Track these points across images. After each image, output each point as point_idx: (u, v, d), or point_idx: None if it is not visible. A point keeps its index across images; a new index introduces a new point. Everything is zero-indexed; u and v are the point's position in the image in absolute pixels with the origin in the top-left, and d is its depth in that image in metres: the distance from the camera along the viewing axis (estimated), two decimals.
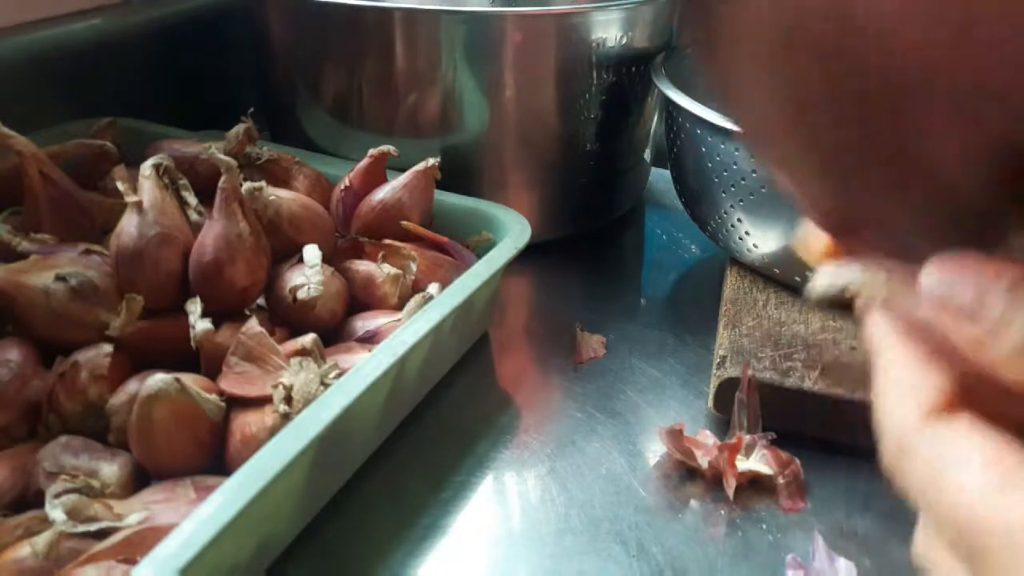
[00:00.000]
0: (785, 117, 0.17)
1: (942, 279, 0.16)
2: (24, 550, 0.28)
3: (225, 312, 0.39)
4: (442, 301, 0.38)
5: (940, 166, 0.16)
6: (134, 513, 0.29)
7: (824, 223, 0.20)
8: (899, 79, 0.15)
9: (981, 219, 0.17)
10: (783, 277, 0.46)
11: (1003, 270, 0.16)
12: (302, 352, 0.35)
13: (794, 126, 0.17)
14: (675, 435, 0.38)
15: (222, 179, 0.39)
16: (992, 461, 0.15)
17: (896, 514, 0.35)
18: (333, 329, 0.41)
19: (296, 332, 0.38)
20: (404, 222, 0.45)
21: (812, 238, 0.21)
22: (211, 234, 0.39)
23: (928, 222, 0.17)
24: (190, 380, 0.33)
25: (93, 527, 0.28)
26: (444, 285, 0.40)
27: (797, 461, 0.38)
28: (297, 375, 0.34)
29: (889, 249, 0.18)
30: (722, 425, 0.41)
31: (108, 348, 0.35)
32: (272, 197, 0.42)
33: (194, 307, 0.37)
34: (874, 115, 0.15)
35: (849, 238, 0.19)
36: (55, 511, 0.28)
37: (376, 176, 0.48)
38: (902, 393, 0.17)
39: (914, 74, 0.14)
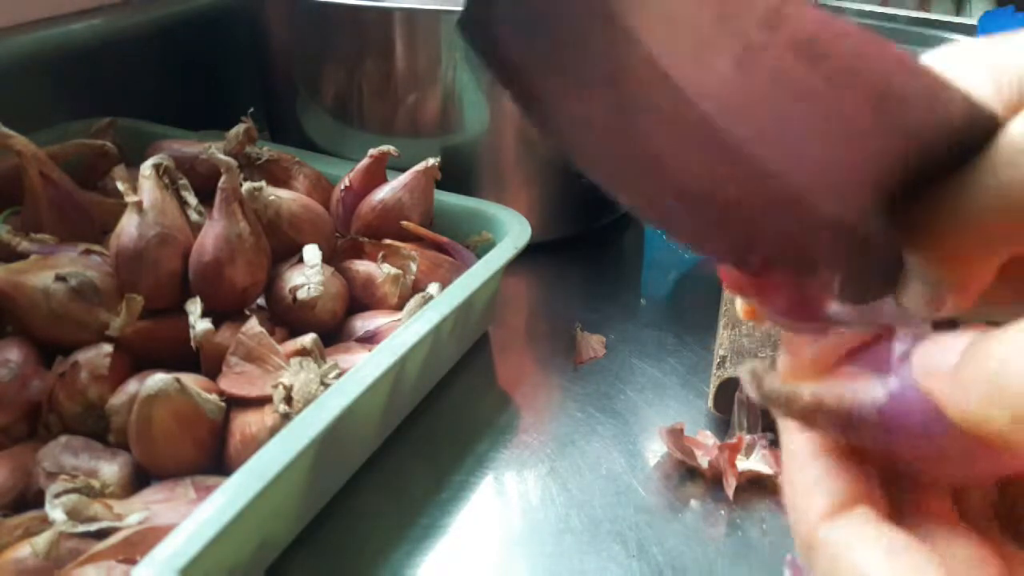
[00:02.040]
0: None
1: (934, 351, 0.16)
2: (24, 550, 0.28)
3: (225, 312, 0.39)
4: (442, 301, 0.38)
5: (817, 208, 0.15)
6: (134, 513, 0.29)
7: (731, 277, 0.19)
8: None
9: (880, 249, 0.16)
10: None
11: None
12: (302, 352, 0.35)
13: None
14: (675, 435, 0.38)
15: (222, 179, 0.39)
16: (891, 551, 0.16)
17: None
18: (333, 329, 0.41)
19: (296, 332, 0.38)
20: (404, 222, 0.45)
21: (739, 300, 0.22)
22: (211, 234, 0.39)
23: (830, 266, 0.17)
24: (190, 380, 0.33)
25: (93, 527, 0.28)
26: (444, 285, 0.40)
27: None
28: (297, 375, 0.34)
29: (799, 300, 0.18)
30: (722, 425, 0.41)
31: (108, 348, 0.35)
32: (272, 197, 0.42)
33: (194, 307, 0.37)
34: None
35: (758, 289, 0.19)
36: (55, 511, 0.28)
37: (376, 176, 0.48)
38: (805, 493, 0.18)
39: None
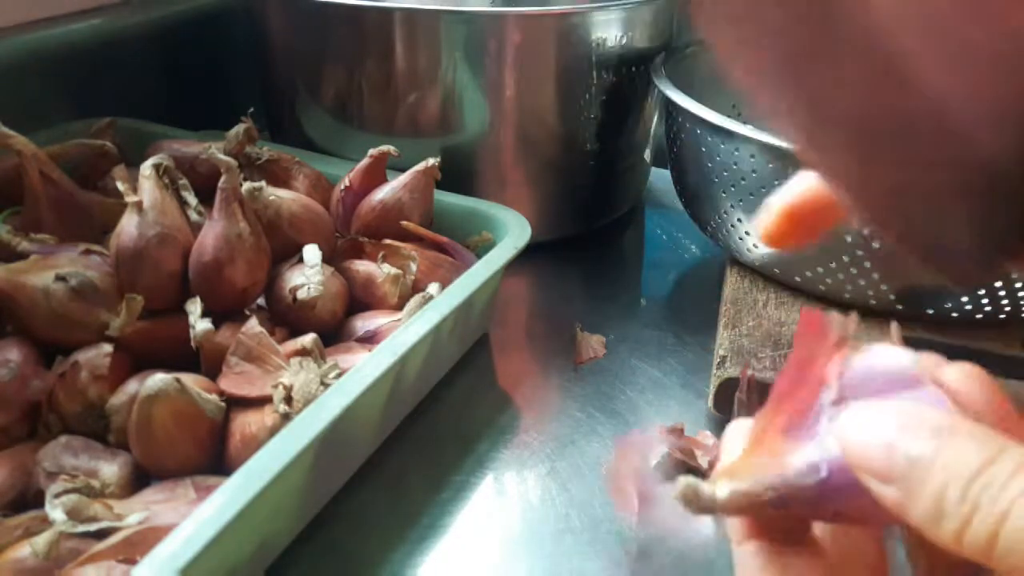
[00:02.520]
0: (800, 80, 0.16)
1: (855, 430, 0.17)
2: (24, 550, 0.28)
3: (225, 312, 0.39)
4: (442, 301, 0.38)
5: (968, 135, 0.15)
6: (134, 513, 0.29)
7: (849, 197, 0.18)
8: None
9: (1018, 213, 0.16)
10: (783, 277, 0.46)
11: (921, 419, 0.16)
12: (302, 352, 0.35)
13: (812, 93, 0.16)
14: (676, 434, 0.38)
15: (222, 179, 0.39)
16: None
17: None
18: (333, 329, 0.41)
19: (296, 332, 0.38)
20: (404, 222, 0.45)
21: (771, 218, 0.21)
22: (211, 234, 0.39)
23: (960, 200, 0.16)
24: (190, 380, 0.33)
25: (93, 527, 0.28)
26: (444, 285, 0.40)
27: None
28: (297, 375, 0.34)
29: (914, 236, 0.18)
30: (722, 425, 0.41)
31: (108, 348, 0.35)
32: (272, 197, 0.42)
33: (194, 307, 0.37)
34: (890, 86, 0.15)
35: (873, 212, 0.18)
36: (55, 511, 0.28)
37: (376, 176, 0.48)
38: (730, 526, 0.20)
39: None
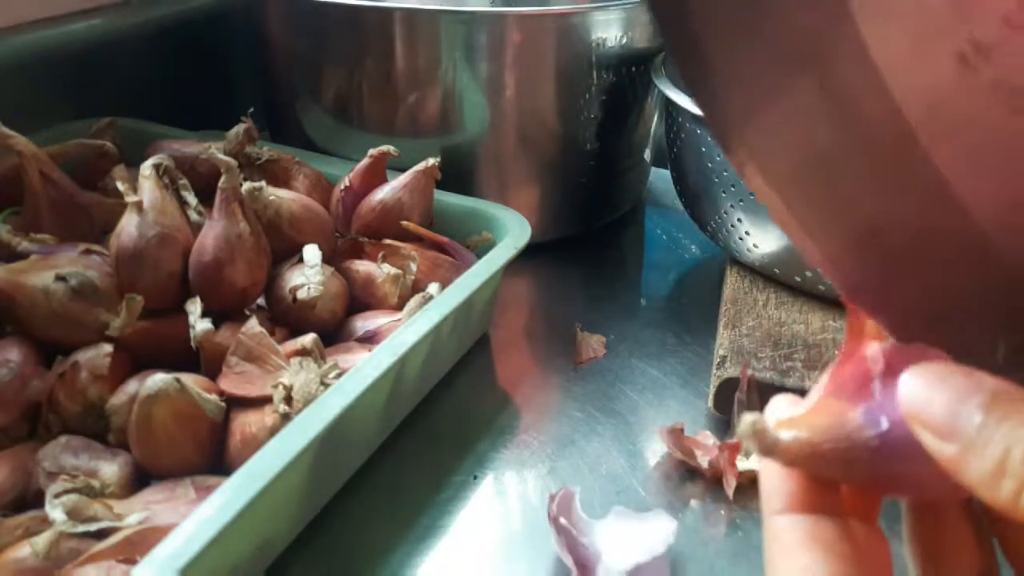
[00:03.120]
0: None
1: (918, 388, 0.16)
2: (24, 550, 0.28)
3: (225, 312, 0.39)
4: (442, 301, 0.38)
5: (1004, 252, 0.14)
6: (134, 513, 0.29)
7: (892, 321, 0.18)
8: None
9: None
10: (783, 277, 0.46)
11: (982, 382, 0.15)
12: (302, 352, 0.35)
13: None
14: (676, 434, 0.38)
15: (222, 179, 0.39)
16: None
17: (890, 511, 0.35)
18: (333, 329, 0.41)
19: (296, 332, 0.38)
20: (404, 222, 0.45)
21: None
22: (211, 234, 0.39)
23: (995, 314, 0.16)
24: (190, 380, 0.33)
25: (93, 527, 0.28)
26: (444, 285, 0.40)
27: None
28: (297, 375, 0.34)
29: (953, 343, 0.17)
30: (722, 425, 0.41)
31: (108, 348, 0.35)
32: (272, 197, 0.42)
33: (194, 307, 0.37)
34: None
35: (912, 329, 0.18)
36: (55, 511, 0.28)
37: (376, 176, 0.48)
38: (766, 490, 0.20)
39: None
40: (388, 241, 0.44)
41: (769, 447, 0.17)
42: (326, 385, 0.33)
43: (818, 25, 0.12)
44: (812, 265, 0.16)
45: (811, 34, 0.12)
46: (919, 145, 0.12)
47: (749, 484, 0.37)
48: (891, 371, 0.17)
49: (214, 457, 0.34)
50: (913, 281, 0.16)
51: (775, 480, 0.20)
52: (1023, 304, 0.15)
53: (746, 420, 0.17)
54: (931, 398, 0.16)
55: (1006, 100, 0.12)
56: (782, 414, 0.19)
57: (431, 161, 0.47)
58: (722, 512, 0.36)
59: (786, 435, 0.17)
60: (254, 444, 0.32)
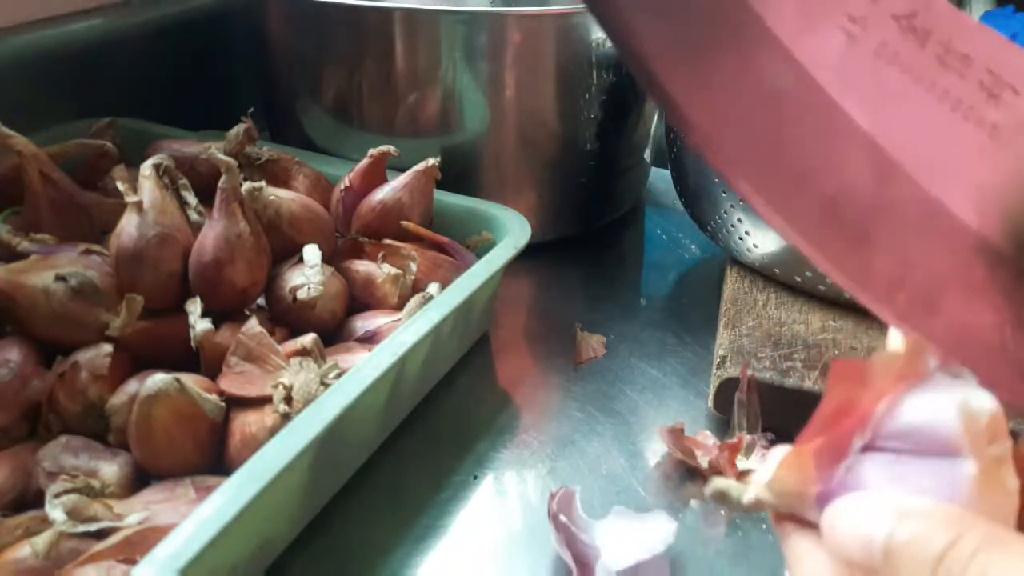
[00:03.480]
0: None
1: (838, 527, 0.18)
2: (24, 550, 0.28)
3: (225, 312, 0.39)
4: (442, 301, 0.38)
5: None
6: (134, 513, 0.29)
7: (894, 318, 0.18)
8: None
9: None
10: (783, 277, 0.46)
11: (889, 521, 0.16)
12: (302, 352, 0.35)
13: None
14: (676, 434, 0.38)
15: (222, 179, 0.39)
16: None
17: None
18: (333, 329, 0.41)
19: (296, 332, 0.38)
20: (404, 222, 0.45)
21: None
22: (211, 234, 0.39)
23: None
24: (190, 380, 0.33)
25: (93, 527, 0.28)
26: (444, 285, 0.40)
27: None
28: (297, 375, 0.34)
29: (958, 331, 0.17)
30: (722, 425, 0.41)
31: (108, 348, 0.35)
32: (272, 197, 0.42)
33: (194, 307, 0.37)
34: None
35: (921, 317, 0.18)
36: (55, 511, 0.28)
37: (376, 176, 0.48)
38: None
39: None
40: (388, 241, 0.44)
41: (734, 506, 0.20)
42: (326, 385, 0.33)
43: (727, 11, 0.14)
44: (790, 242, 0.16)
45: (723, 20, 0.14)
46: (840, 109, 0.14)
47: None
48: (870, 448, 0.18)
49: (214, 457, 0.34)
50: (890, 256, 0.16)
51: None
52: (1012, 276, 0.15)
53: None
54: (848, 534, 0.17)
55: (893, 60, 0.13)
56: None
57: (431, 161, 0.47)
58: (722, 512, 0.36)
59: (748, 496, 0.20)
60: (254, 444, 0.31)
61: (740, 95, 0.15)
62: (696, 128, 0.15)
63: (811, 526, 0.19)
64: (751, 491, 0.20)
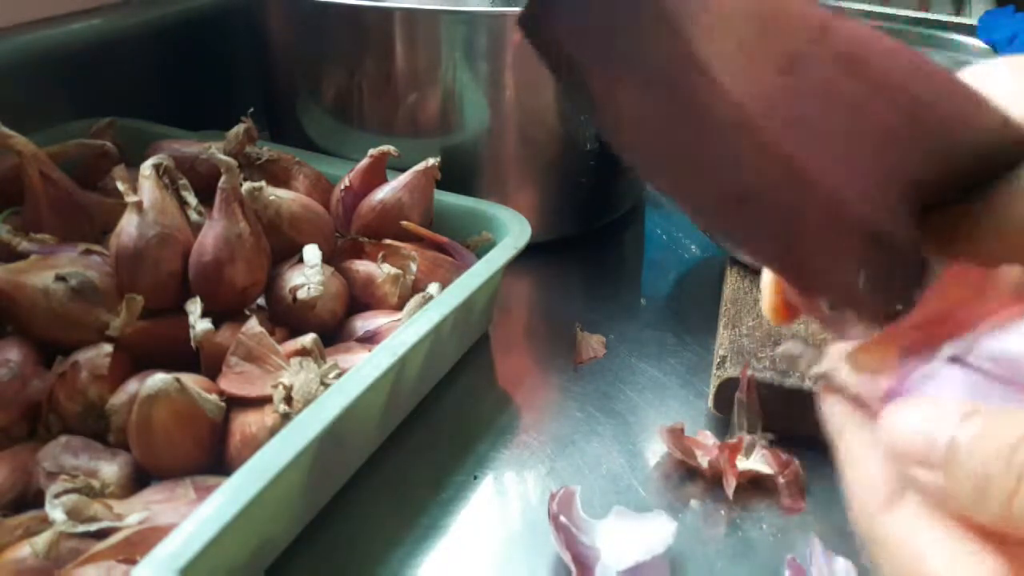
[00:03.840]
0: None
1: (899, 424, 0.17)
2: (24, 550, 0.28)
3: (225, 312, 0.39)
4: (442, 301, 0.38)
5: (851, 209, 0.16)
6: (134, 513, 0.29)
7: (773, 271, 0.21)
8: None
9: (905, 252, 0.17)
10: None
11: (952, 408, 0.16)
12: (302, 352, 0.35)
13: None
14: (676, 434, 0.38)
15: (222, 179, 0.39)
16: (949, 538, 0.16)
17: None
18: (333, 329, 0.41)
19: (296, 332, 0.38)
20: (404, 222, 0.45)
21: (765, 295, 0.22)
22: (211, 234, 0.39)
23: (856, 263, 0.18)
24: (190, 380, 0.33)
25: (93, 527, 0.28)
26: (444, 285, 0.40)
27: (797, 461, 0.38)
28: (297, 375, 0.34)
29: (834, 299, 0.19)
30: (722, 425, 0.41)
31: (108, 348, 0.35)
32: (272, 197, 0.42)
33: (194, 307, 0.37)
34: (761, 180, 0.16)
35: (797, 285, 0.20)
36: (55, 511, 0.28)
37: (376, 176, 0.48)
38: (863, 486, 0.18)
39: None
40: (388, 241, 0.44)
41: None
42: (326, 385, 0.33)
43: (664, 48, 0.15)
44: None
45: (659, 56, 0.15)
46: (764, 133, 0.15)
47: (749, 484, 0.38)
48: (958, 360, 0.18)
49: (214, 457, 0.34)
50: (783, 242, 0.18)
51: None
52: (875, 245, 0.17)
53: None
54: (909, 432, 0.17)
55: (825, 100, 0.15)
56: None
57: (431, 161, 0.47)
58: (722, 512, 0.36)
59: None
60: (254, 444, 0.32)
61: (660, 110, 0.16)
62: (614, 133, 0.17)
63: (868, 419, 0.19)
64: (825, 362, 0.19)
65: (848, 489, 0.19)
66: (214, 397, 0.33)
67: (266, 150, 0.49)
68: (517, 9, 0.53)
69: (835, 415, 0.19)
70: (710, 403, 0.41)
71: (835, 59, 0.14)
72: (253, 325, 0.36)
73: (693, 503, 0.37)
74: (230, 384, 0.35)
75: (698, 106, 0.15)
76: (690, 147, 0.16)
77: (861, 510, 0.18)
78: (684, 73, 0.15)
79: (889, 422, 0.17)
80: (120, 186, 0.39)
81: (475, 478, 0.38)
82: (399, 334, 0.36)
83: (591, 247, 0.59)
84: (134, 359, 0.37)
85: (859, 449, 0.19)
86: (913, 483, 0.17)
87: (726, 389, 0.40)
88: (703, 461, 0.38)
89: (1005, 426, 0.15)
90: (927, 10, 0.97)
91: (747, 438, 0.38)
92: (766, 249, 0.18)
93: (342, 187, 0.48)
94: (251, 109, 0.49)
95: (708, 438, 0.39)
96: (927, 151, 0.15)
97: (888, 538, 0.17)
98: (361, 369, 0.33)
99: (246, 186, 0.40)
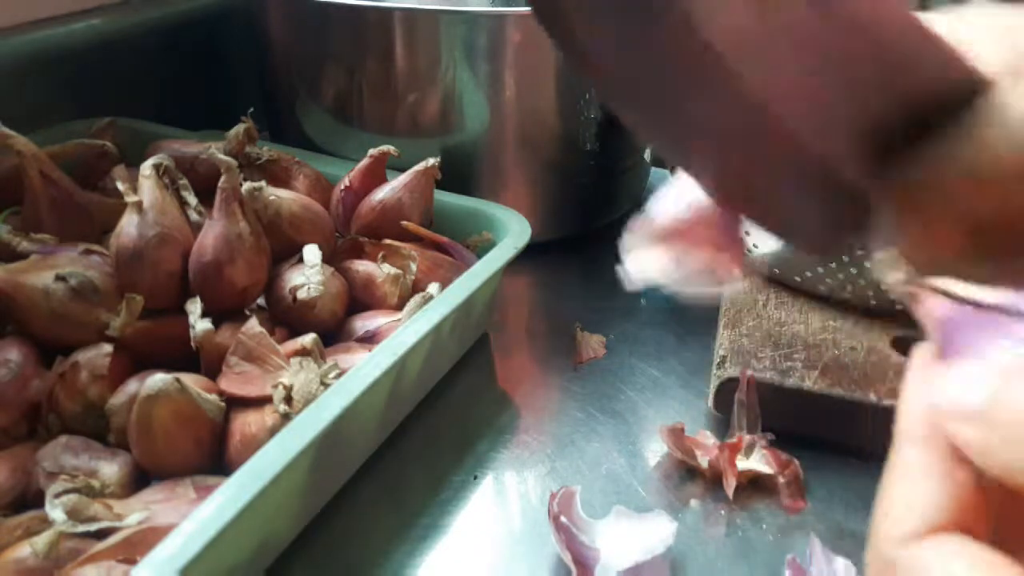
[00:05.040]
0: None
1: (949, 387, 0.16)
2: (24, 550, 0.28)
3: (225, 312, 0.39)
4: (442, 301, 0.38)
5: (804, 149, 0.17)
6: (134, 513, 0.29)
7: (715, 197, 0.21)
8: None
9: (852, 198, 0.18)
10: (783, 277, 0.46)
11: (992, 363, 0.16)
12: (302, 352, 0.35)
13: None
14: (676, 434, 0.38)
15: (222, 179, 0.39)
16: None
17: None
18: (333, 329, 0.41)
19: (296, 332, 0.38)
20: (404, 222, 0.45)
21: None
22: (211, 234, 0.39)
23: (804, 201, 0.18)
24: (190, 380, 0.33)
25: (93, 527, 0.28)
26: (444, 285, 0.40)
27: (797, 461, 0.38)
28: (297, 375, 0.34)
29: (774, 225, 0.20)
30: (722, 425, 0.41)
31: (108, 348, 0.35)
32: (272, 197, 0.42)
33: (194, 307, 0.37)
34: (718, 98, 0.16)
35: (737, 209, 0.21)
36: (55, 511, 0.28)
37: (376, 176, 0.48)
38: (897, 507, 0.17)
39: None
40: (388, 241, 0.44)
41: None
42: (326, 385, 0.33)
43: None
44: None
45: None
46: (731, 69, 0.15)
47: (749, 484, 0.38)
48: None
49: (214, 457, 0.34)
50: (743, 175, 0.18)
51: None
52: (826, 183, 0.17)
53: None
54: (948, 385, 0.16)
55: (794, 39, 0.15)
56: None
57: (431, 161, 0.47)
58: (722, 512, 0.36)
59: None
60: (254, 444, 0.31)
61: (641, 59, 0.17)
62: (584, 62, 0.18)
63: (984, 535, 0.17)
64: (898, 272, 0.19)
65: (882, 503, 0.17)
66: (214, 397, 0.33)
67: (266, 150, 0.49)
68: (517, 9, 0.53)
69: (909, 411, 0.18)
70: (710, 403, 0.41)
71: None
72: (253, 325, 0.36)
73: (693, 503, 0.37)
74: (230, 384, 0.35)
75: (669, 40, 0.15)
76: (661, 82, 0.17)
77: (887, 529, 0.17)
78: (659, 7, 0.15)
79: (943, 383, 0.16)
80: (120, 186, 0.39)
81: (475, 478, 0.38)
82: (399, 334, 0.36)
83: (591, 247, 0.59)
84: (134, 359, 0.37)
85: (915, 471, 0.17)
86: (954, 439, 0.16)
87: (726, 389, 0.40)
88: (703, 461, 0.38)
89: None
90: (927, 10, 0.97)
91: (747, 438, 0.38)
92: (727, 183, 0.19)
93: (342, 187, 0.48)
94: (251, 109, 0.49)
95: (708, 438, 0.39)
96: (886, 92, 0.16)
97: (918, 567, 0.16)
98: (361, 369, 0.33)
99: (246, 186, 0.40)
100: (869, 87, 0.16)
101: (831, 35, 0.15)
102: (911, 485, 0.17)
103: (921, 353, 0.19)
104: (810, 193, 0.18)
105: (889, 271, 0.19)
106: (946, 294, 0.18)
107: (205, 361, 0.36)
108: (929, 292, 0.19)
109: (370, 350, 0.36)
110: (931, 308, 0.19)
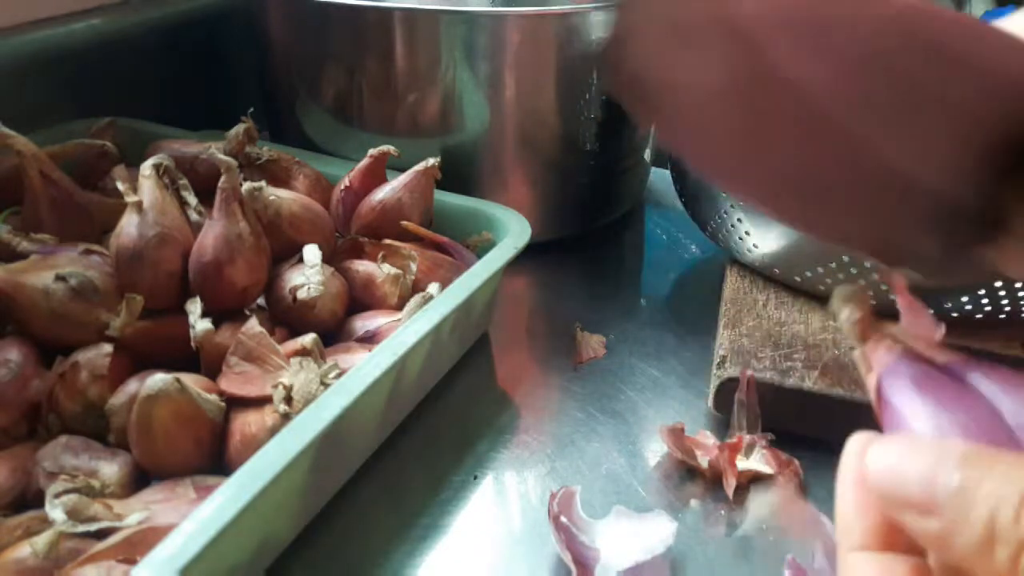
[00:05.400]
0: (738, 151, 0.18)
1: (887, 463, 0.17)
2: (24, 550, 0.28)
3: (225, 312, 0.39)
4: (442, 301, 0.38)
5: (913, 177, 0.16)
6: (134, 513, 0.29)
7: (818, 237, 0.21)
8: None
9: (973, 217, 0.17)
10: (783, 277, 0.46)
11: (950, 446, 0.15)
12: (302, 352, 0.35)
13: (749, 157, 0.18)
14: (676, 434, 0.38)
15: (222, 179, 0.39)
16: None
17: None
18: (333, 329, 0.41)
19: (296, 332, 0.38)
20: (404, 222, 0.45)
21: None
22: (211, 234, 0.39)
23: (912, 230, 0.18)
24: (190, 380, 0.33)
25: (93, 527, 0.28)
26: (444, 285, 0.40)
27: (797, 461, 0.38)
28: (297, 375, 0.34)
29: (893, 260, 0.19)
30: (722, 425, 0.41)
31: (108, 348, 0.35)
32: (272, 197, 0.42)
33: (194, 307, 0.37)
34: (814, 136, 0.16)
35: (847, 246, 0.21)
36: (55, 511, 0.28)
37: (376, 176, 0.48)
38: (851, 514, 0.19)
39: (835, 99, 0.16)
40: (388, 241, 0.44)
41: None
42: (326, 385, 0.33)
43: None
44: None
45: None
46: (832, 117, 0.16)
47: (749, 484, 0.38)
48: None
49: (214, 457, 0.34)
50: (860, 220, 0.18)
51: (851, 516, 0.19)
52: (951, 213, 0.17)
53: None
54: (902, 472, 0.16)
55: (893, 80, 0.15)
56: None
57: (431, 161, 0.47)
58: (722, 512, 0.36)
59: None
60: (254, 444, 0.31)
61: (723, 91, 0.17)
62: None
63: (896, 547, 0.18)
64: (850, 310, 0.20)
65: (839, 508, 0.19)
66: (214, 397, 0.33)
67: (266, 150, 0.49)
68: (517, 9, 0.53)
69: (857, 440, 0.19)
70: (710, 403, 0.41)
71: (879, 20, 0.14)
72: (253, 325, 0.36)
73: (693, 503, 0.37)
74: (230, 384, 0.35)
75: (767, 103, 0.16)
76: (751, 127, 0.17)
77: (842, 534, 0.19)
78: (751, 77, 0.15)
79: (876, 464, 0.17)
80: (120, 186, 0.39)
81: (475, 478, 0.38)
82: (399, 334, 0.36)
83: (591, 247, 0.59)
84: (134, 359, 0.37)
85: (849, 485, 0.19)
86: (909, 528, 0.16)
87: (726, 389, 0.40)
88: (703, 461, 0.38)
89: (1014, 473, 0.14)
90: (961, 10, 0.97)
91: (747, 438, 0.38)
92: (844, 229, 0.19)
93: (342, 187, 0.48)
94: (251, 109, 0.49)
95: (708, 438, 0.39)
96: (998, 115, 0.15)
97: (846, 572, 0.18)
98: (361, 369, 0.33)
99: (246, 186, 0.40)
100: (979, 113, 0.15)
101: (930, 73, 0.15)
102: (844, 518, 0.19)
103: (855, 444, 0.20)
104: (932, 225, 0.17)
105: (844, 308, 0.20)
106: (903, 344, 0.19)
107: (205, 361, 0.36)
108: (884, 339, 0.19)
109: (370, 350, 0.36)
110: (879, 354, 0.19)
